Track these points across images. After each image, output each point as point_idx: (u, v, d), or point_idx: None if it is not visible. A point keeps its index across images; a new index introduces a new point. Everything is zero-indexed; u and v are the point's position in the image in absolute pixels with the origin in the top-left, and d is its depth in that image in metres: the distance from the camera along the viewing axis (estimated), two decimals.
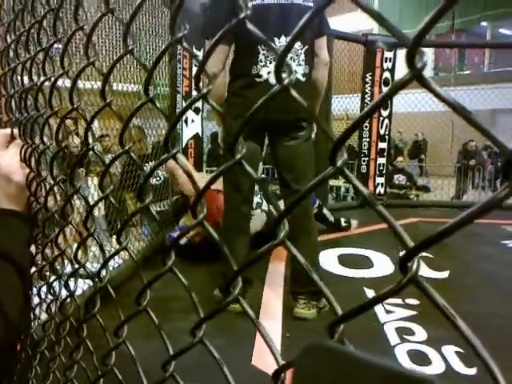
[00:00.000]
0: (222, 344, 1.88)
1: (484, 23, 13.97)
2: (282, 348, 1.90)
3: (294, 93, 0.34)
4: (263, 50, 2.15)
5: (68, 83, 0.71)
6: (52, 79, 0.77)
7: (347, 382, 0.24)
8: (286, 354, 0.32)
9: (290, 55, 2.39)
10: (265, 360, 1.84)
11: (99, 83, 0.64)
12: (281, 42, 2.14)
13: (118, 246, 0.60)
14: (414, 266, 0.27)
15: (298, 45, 2.19)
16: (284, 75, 0.34)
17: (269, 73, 2.16)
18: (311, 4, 2.15)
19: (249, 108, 0.37)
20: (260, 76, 2.17)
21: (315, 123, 0.33)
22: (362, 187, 0.31)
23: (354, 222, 4.25)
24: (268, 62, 2.16)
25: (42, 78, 0.80)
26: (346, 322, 0.30)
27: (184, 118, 3.48)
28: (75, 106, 0.69)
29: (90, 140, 0.65)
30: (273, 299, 2.53)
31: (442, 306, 0.27)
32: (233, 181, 2.31)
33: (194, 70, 3.72)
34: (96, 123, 3.44)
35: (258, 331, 0.39)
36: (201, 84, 0.44)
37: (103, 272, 0.61)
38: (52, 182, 0.76)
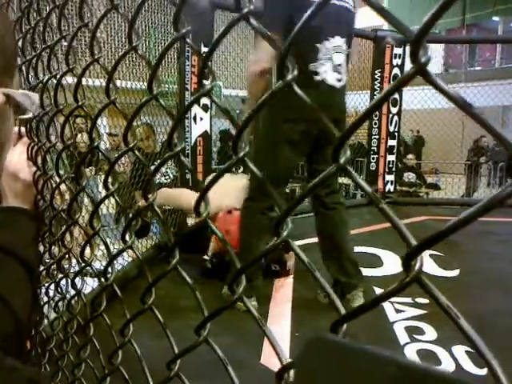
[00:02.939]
0: (231, 343, 1.88)
1: (496, 18, 13.78)
2: (292, 347, 1.89)
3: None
4: (323, 47, 2.12)
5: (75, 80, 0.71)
6: (57, 77, 0.77)
7: (353, 376, 0.23)
8: (295, 354, 0.31)
9: (343, 56, 2.26)
10: (274, 359, 1.83)
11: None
12: (333, 42, 2.13)
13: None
14: (418, 265, 0.27)
15: (345, 46, 2.19)
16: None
17: (325, 71, 2.13)
18: (350, 6, 2.19)
19: (306, 107, 0.34)
20: (318, 74, 2.13)
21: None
22: (365, 185, 0.31)
23: None
24: (325, 60, 2.13)
25: (48, 76, 0.81)
26: (348, 321, 0.30)
27: (193, 115, 3.48)
28: (80, 103, 0.69)
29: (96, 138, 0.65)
30: (282, 298, 2.53)
31: (445, 306, 0.27)
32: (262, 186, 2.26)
33: None
34: (105, 121, 3.46)
35: (262, 331, 0.38)
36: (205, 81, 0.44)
37: (109, 270, 0.61)
38: (58, 180, 0.77)
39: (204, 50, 3.60)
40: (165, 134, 4.04)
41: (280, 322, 2.21)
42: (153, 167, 0.57)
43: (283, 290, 2.63)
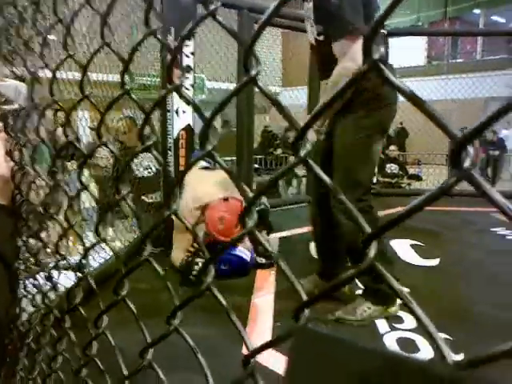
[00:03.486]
0: (213, 333, 1.89)
1: (477, 10, 13.93)
2: (273, 337, 1.91)
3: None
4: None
5: (58, 75, 0.71)
6: (33, 71, 0.77)
7: (338, 366, 0.24)
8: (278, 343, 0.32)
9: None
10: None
11: (107, 74, 0.64)
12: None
13: (109, 238, 0.61)
14: (372, 252, 0.28)
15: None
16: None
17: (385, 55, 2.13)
18: None
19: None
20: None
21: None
22: (326, 177, 0.32)
23: None
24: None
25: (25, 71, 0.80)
26: (309, 307, 0.31)
27: (175, 108, 3.46)
28: (55, 98, 0.69)
29: (70, 133, 0.65)
30: (265, 289, 2.56)
31: (399, 292, 0.28)
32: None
33: (185, 60, 3.68)
34: (86, 114, 3.42)
35: (230, 320, 0.39)
36: (176, 78, 0.44)
37: (84, 263, 0.61)
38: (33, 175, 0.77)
39: (188, 43, 3.58)
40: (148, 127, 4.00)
41: (262, 312, 2.23)
42: (136, 161, 0.58)
43: (266, 282, 2.65)
